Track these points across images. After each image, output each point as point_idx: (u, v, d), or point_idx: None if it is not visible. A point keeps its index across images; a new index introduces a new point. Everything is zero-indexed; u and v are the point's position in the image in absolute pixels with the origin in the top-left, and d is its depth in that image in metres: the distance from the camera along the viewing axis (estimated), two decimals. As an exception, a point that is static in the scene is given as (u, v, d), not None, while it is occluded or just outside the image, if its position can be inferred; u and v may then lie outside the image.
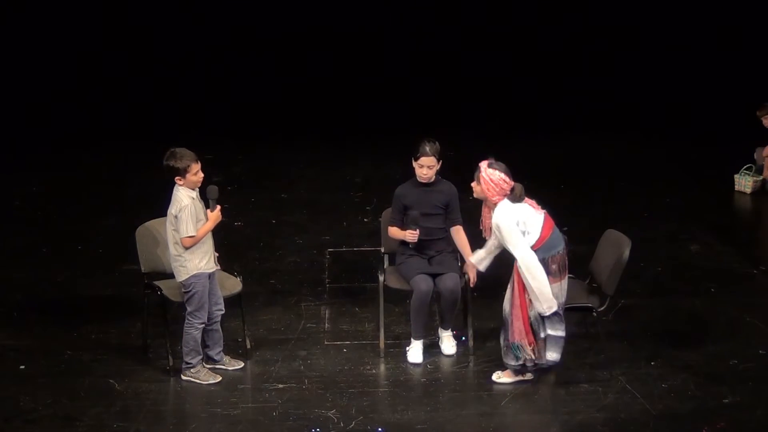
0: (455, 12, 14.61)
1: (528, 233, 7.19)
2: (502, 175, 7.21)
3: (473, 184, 7.33)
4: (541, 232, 7.21)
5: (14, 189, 11.53)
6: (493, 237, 7.38)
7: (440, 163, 7.78)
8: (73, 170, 12.20)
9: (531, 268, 7.16)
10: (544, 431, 6.97)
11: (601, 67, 14.39)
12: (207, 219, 7.38)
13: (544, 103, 14.09)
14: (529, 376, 7.51)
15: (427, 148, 7.72)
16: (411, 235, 7.75)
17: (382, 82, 14.31)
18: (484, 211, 7.45)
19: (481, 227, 7.53)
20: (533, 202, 7.32)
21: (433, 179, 7.81)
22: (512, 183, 7.23)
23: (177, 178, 7.27)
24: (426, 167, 7.75)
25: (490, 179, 7.21)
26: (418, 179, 7.80)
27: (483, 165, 7.27)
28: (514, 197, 7.22)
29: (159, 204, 7.66)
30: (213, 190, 7.39)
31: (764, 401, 7.25)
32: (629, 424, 7.00)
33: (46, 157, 12.60)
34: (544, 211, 7.32)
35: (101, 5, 14.27)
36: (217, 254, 7.57)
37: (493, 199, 7.24)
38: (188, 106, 13.87)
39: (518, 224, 7.17)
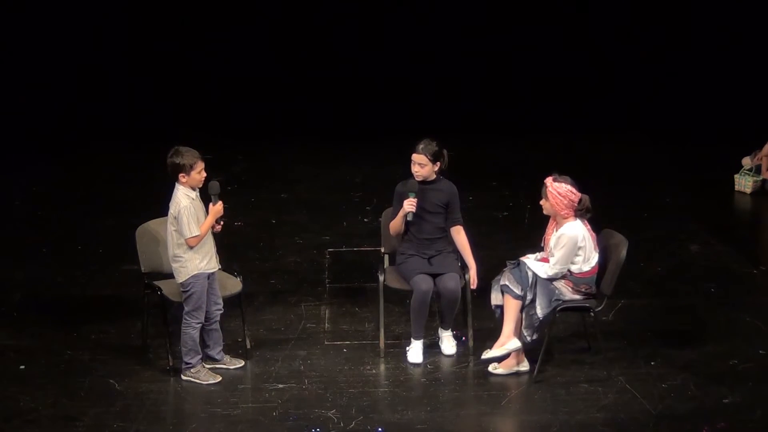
0: (455, 11, 14.60)
1: (590, 258, 7.39)
2: (569, 187, 7.34)
3: (542, 202, 7.45)
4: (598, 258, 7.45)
5: (14, 189, 11.53)
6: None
7: (438, 164, 7.77)
8: (73, 170, 12.21)
9: (549, 278, 7.44)
10: (544, 431, 6.97)
11: (601, 66, 14.38)
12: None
13: (543, 102, 14.08)
14: (525, 366, 7.56)
15: (420, 146, 7.73)
16: (409, 204, 7.74)
17: (382, 81, 14.31)
18: (550, 227, 7.52)
19: (542, 244, 7.61)
20: (588, 226, 7.46)
21: (430, 178, 7.80)
22: (579, 195, 7.36)
23: (181, 175, 7.27)
24: (417, 164, 7.76)
25: (558, 192, 7.33)
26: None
27: (548, 181, 7.40)
28: (582, 209, 7.35)
29: (159, 204, 7.67)
30: (214, 186, 7.40)
31: (764, 401, 7.25)
32: (629, 424, 7.00)
33: (46, 157, 12.60)
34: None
35: (100, 4, 14.26)
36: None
37: (563, 212, 7.35)
38: (188, 106, 13.87)
39: (580, 248, 7.33)
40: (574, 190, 7.35)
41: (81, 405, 7.25)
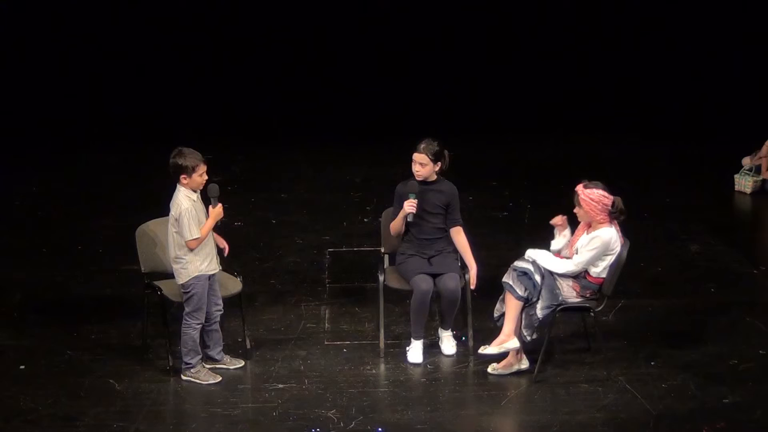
0: (455, 11, 14.60)
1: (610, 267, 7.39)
2: (601, 192, 7.35)
3: (575, 210, 7.44)
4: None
5: (14, 189, 11.53)
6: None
7: (439, 165, 7.77)
8: (73, 170, 12.21)
9: (565, 274, 7.42)
10: (544, 431, 6.97)
11: (602, 66, 14.38)
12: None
13: (543, 103, 14.08)
14: (525, 364, 7.56)
15: (421, 146, 7.73)
16: (410, 205, 7.74)
17: (382, 81, 14.30)
18: (580, 231, 7.50)
19: (570, 246, 7.56)
20: (620, 233, 7.45)
21: (430, 178, 7.80)
22: (612, 197, 7.36)
23: (183, 176, 7.26)
24: (418, 164, 7.76)
25: (591, 198, 7.34)
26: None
27: (579, 188, 7.40)
28: (616, 211, 7.36)
29: (159, 204, 7.67)
30: (214, 189, 7.40)
31: (764, 401, 7.25)
32: (629, 424, 7.00)
33: (46, 157, 12.60)
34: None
35: (101, 4, 14.27)
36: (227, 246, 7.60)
37: (598, 218, 7.36)
38: (188, 106, 13.86)
39: (608, 254, 7.33)
40: (606, 194, 7.34)
41: (81, 405, 7.25)
